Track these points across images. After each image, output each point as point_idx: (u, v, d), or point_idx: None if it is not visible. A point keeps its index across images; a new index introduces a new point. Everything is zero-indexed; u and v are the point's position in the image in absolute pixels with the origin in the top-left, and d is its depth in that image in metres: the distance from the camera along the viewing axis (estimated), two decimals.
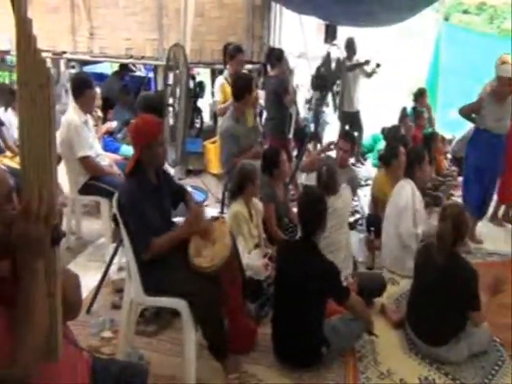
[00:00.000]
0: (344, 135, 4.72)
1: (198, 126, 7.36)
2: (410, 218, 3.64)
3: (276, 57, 5.35)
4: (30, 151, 1.22)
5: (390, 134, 5.26)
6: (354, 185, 4.36)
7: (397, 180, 3.96)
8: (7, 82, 7.52)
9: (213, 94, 7.22)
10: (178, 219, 3.13)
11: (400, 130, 5.46)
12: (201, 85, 7.37)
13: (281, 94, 5.15)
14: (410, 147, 4.38)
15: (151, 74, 7.72)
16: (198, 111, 7.40)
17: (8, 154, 4.55)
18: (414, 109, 6.23)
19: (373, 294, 3.24)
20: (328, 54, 5.74)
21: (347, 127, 6.92)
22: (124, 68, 7.63)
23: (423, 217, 3.75)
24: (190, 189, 3.62)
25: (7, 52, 6.45)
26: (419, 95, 6.43)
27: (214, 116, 7.26)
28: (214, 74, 7.84)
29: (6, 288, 1.27)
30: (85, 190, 3.76)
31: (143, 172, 2.52)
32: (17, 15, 1.15)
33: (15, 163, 4.26)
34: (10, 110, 4.87)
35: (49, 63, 7.45)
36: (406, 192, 3.72)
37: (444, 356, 2.70)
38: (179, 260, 2.48)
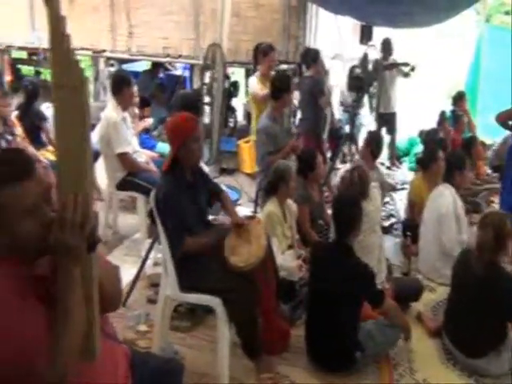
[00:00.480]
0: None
1: (231, 125, 7.38)
2: (452, 224, 3.54)
3: (312, 57, 5.31)
4: (65, 156, 1.20)
5: (428, 137, 5.14)
6: (384, 186, 4.27)
7: (435, 185, 3.86)
8: (48, 78, 7.73)
9: (246, 94, 7.25)
10: (212, 217, 3.16)
11: (438, 134, 5.34)
12: (235, 84, 7.39)
13: (316, 94, 5.11)
14: (449, 151, 4.26)
15: (187, 73, 7.80)
16: (232, 110, 7.42)
17: (50, 148, 4.67)
18: (452, 112, 6.08)
19: (409, 298, 3.17)
20: (365, 55, 5.68)
21: (383, 129, 6.83)
22: (156, 66, 7.73)
23: (466, 223, 3.65)
24: (224, 188, 3.63)
25: (49, 50, 6.62)
26: (458, 98, 6.27)
27: (248, 115, 7.27)
28: (249, 74, 7.87)
29: (46, 287, 1.28)
30: (122, 185, 3.82)
31: (180, 169, 2.54)
32: (50, 13, 1.13)
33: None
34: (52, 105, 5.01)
35: (88, 61, 7.64)
36: (447, 198, 3.62)
37: (484, 368, 2.61)
38: (215, 258, 2.49)
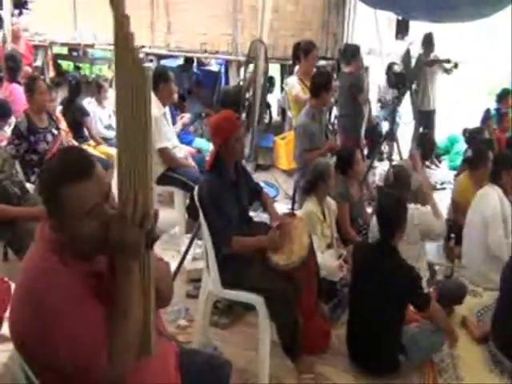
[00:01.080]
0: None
1: (266, 121, 7.37)
2: (499, 227, 3.40)
3: (351, 53, 5.21)
4: (126, 154, 1.20)
5: (473, 136, 4.97)
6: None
7: (481, 186, 3.73)
8: (87, 73, 7.90)
9: (282, 90, 7.21)
10: (253, 213, 3.14)
11: (484, 133, 5.16)
12: (271, 80, 7.37)
13: (355, 91, 5.01)
14: (497, 151, 4.11)
15: (222, 69, 7.82)
16: (267, 106, 7.40)
17: (91, 142, 4.76)
18: (497, 110, 5.88)
19: (453, 302, 3.07)
20: (407, 51, 5.55)
21: (421, 127, 6.66)
22: (188, 62, 7.76)
23: None
24: (262, 184, 3.61)
25: (91, 46, 6.76)
26: (503, 96, 6.05)
27: (283, 111, 7.24)
28: (284, 70, 7.81)
29: (103, 284, 1.29)
30: (161, 180, 3.84)
31: (223, 168, 2.53)
32: (115, 12, 1.13)
33: (98, 152, 4.45)
34: (93, 100, 5.10)
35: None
36: (493, 199, 3.48)
37: None
38: (257, 256, 2.47)
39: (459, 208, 3.97)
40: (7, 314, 1.83)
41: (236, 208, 2.54)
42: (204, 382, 1.55)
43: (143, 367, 1.33)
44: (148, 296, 1.27)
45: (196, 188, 2.59)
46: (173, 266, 3.25)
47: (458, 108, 8.17)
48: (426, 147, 4.14)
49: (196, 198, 2.54)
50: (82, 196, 1.19)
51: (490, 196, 3.53)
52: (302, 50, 4.77)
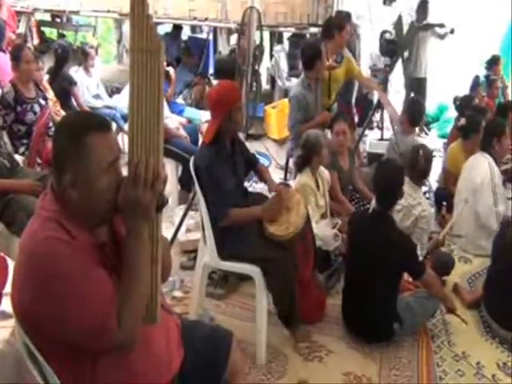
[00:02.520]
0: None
1: (254, 89, 7.25)
2: (489, 195, 3.43)
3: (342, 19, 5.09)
4: (139, 117, 1.22)
5: (464, 104, 4.96)
6: None
7: (472, 154, 3.75)
8: (72, 41, 7.66)
9: (271, 57, 7.08)
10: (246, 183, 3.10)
11: (474, 100, 5.15)
12: (260, 48, 7.20)
13: None
14: (488, 119, 4.10)
15: (210, 36, 7.63)
16: (257, 75, 7.27)
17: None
18: (486, 77, 5.85)
19: (440, 273, 3.12)
20: (400, 17, 5.46)
21: (412, 94, 6.62)
22: (176, 29, 7.57)
23: (503, 194, 3.54)
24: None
25: (76, 12, 6.53)
26: (493, 63, 6.04)
27: (272, 80, 7.14)
28: (274, 38, 7.65)
29: (107, 254, 1.29)
30: None
31: (221, 140, 2.48)
32: None
33: None
34: (81, 69, 4.95)
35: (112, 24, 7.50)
36: (484, 167, 3.50)
37: None
38: (254, 227, 2.46)
39: (451, 176, 4.00)
40: (6, 289, 1.80)
41: (233, 180, 2.51)
42: (207, 353, 1.55)
43: (148, 337, 1.34)
44: (156, 261, 1.28)
45: (192, 159, 2.55)
46: (167, 237, 3.24)
47: (447, 76, 8.10)
48: (415, 113, 4.10)
49: (192, 169, 2.50)
50: (106, 146, 1.23)
51: (481, 164, 3.54)
52: (336, 25, 4.18)
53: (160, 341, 1.41)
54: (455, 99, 5.46)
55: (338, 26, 4.16)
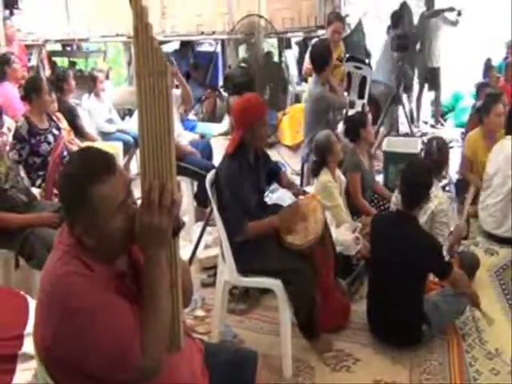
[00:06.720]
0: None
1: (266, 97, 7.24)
2: None
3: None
4: (150, 141, 1.20)
5: (479, 90, 4.84)
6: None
7: (493, 141, 3.66)
8: (83, 67, 7.81)
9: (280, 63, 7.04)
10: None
11: (488, 86, 5.02)
12: (269, 55, 7.21)
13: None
14: (507, 102, 3.99)
15: (218, 48, 7.67)
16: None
17: (88, 142, 4.67)
18: (505, 59, 5.71)
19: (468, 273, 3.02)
20: (409, 10, 5.37)
21: (426, 85, 6.51)
22: (184, 45, 7.62)
23: None
24: None
25: (85, 40, 6.67)
26: None
27: (283, 87, 7.10)
28: (281, 44, 7.63)
29: (127, 283, 1.28)
30: None
31: (244, 152, 2.46)
32: (134, 4, 1.16)
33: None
34: (92, 96, 5.02)
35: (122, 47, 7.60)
36: (508, 148, 3.41)
37: None
38: (271, 238, 2.43)
39: (472, 165, 3.91)
40: (28, 330, 1.81)
41: (254, 194, 2.49)
42: (232, 377, 1.53)
43: (172, 365, 1.32)
44: (175, 286, 1.27)
45: (209, 174, 2.52)
46: (186, 256, 3.25)
47: (459, 64, 7.93)
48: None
49: (208, 183, 2.47)
50: (114, 191, 1.19)
51: (505, 146, 3.46)
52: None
53: (184, 368, 1.39)
54: (478, 86, 5.33)
55: (328, 21, 4.61)
